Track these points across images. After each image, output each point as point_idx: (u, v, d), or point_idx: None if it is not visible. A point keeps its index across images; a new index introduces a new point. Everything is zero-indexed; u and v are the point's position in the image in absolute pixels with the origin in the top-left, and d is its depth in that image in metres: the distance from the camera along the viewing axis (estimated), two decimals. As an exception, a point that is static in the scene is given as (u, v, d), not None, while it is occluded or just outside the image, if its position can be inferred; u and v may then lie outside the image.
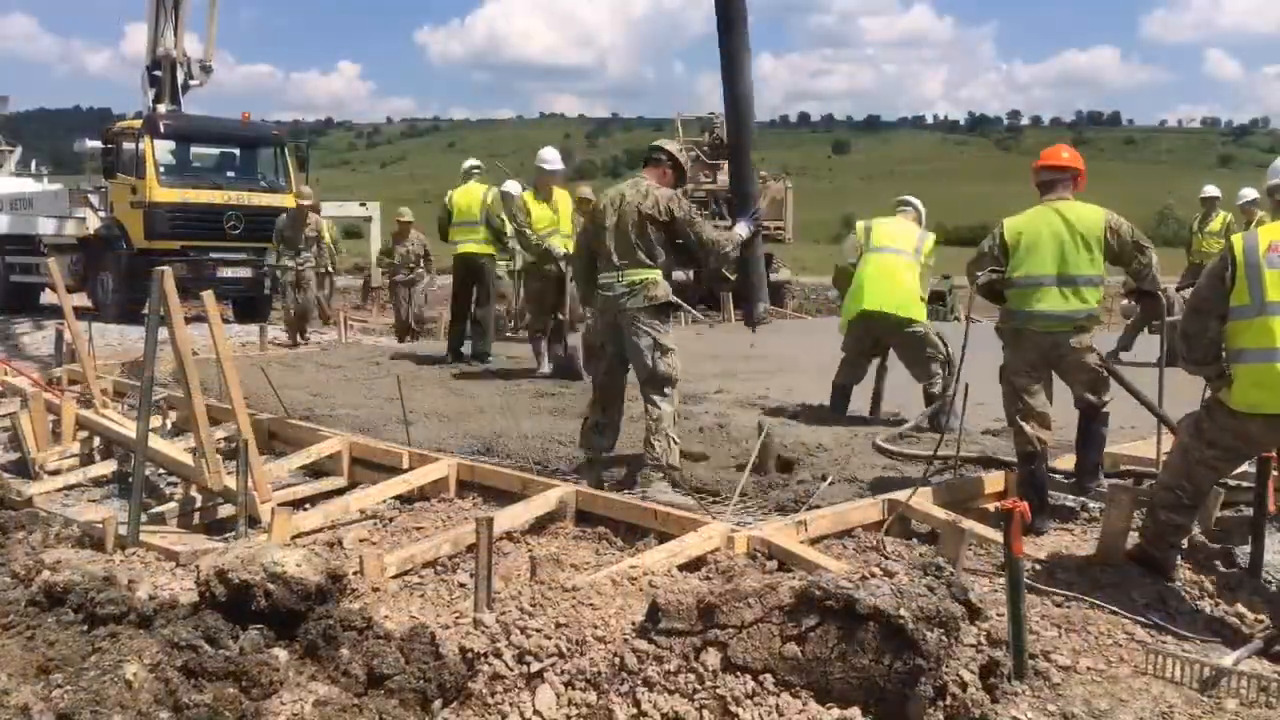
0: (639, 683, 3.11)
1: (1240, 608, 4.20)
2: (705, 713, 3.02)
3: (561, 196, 9.11)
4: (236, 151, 16.52)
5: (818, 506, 5.00)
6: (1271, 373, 3.93)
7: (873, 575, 3.26)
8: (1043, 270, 5.08)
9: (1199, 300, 4.23)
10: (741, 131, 6.13)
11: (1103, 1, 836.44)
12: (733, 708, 3.01)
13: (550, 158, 9.06)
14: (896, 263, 6.87)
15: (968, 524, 4.67)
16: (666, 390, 5.33)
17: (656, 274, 5.37)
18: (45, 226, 16.62)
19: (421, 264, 14.12)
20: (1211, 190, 13.47)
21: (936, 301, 18.58)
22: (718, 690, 3.06)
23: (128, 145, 15.29)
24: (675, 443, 5.32)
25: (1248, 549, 4.59)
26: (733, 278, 15.68)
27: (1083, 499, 5.39)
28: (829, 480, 5.36)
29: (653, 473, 5.26)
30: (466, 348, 10.24)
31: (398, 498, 5.74)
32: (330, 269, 14.28)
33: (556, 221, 8.84)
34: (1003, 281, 5.18)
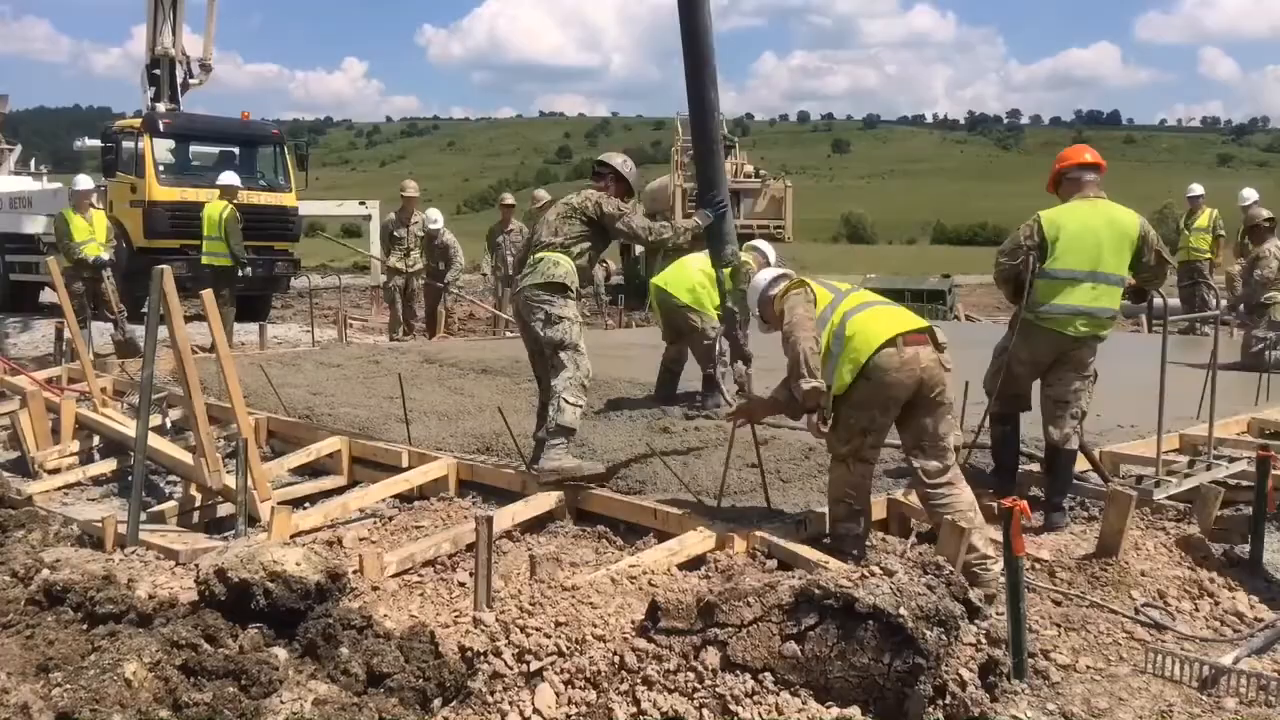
0: (639, 681, 3.11)
1: (1240, 607, 4.20)
2: (705, 711, 3.02)
3: (97, 214, 12.06)
4: (236, 150, 16.49)
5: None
6: None
7: (872, 574, 3.26)
8: (1078, 265, 5.04)
9: None
10: (706, 121, 5.82)
11: (1102, 2, 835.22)
12: (732, 706, 3.01)
13: (83, 182, 12.21)
14: (694, 259, 7.11)
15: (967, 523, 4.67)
16: (562, 355, 5.39)
17: (563, 256, 5.47)
18: (35, 225, 16.60)
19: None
20: (1196, 189, 13.90)
21: (936, 301, 18.55)
22: (717, 689, 3.06)
23: (127, 144, 15.26)
24: (573, 405, 5.37)
25: (1247, 548, 4.60)
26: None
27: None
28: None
29: (551, 436, 5.33)
30: None
31: (397, 497, 5.74)
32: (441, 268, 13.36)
33: (92, 232, 11.64)
34: (1035, 273, 5.10)
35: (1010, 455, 5.40)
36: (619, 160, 5.86)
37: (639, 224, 5.69)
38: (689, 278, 7.15)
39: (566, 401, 5.36)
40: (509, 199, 14.82)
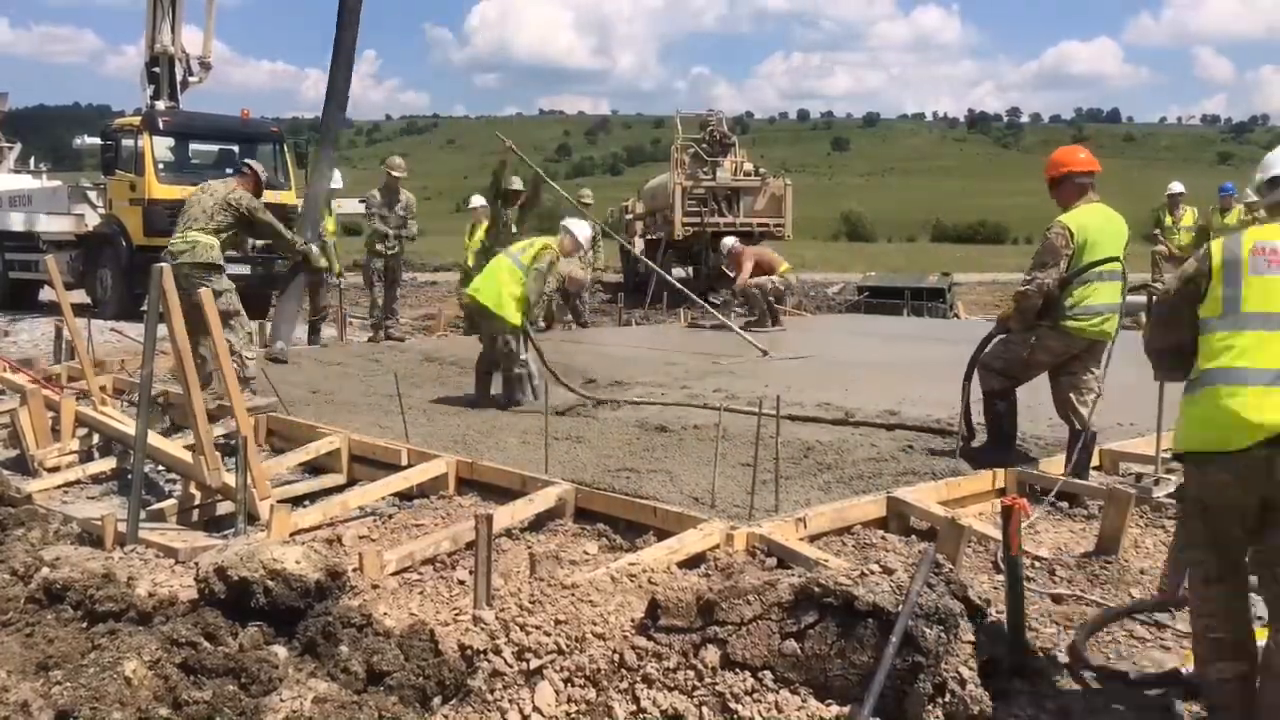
0: (638, 679, 3.11)
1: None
2: (705, 709, 3.02)
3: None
4: (235, 148, 16.49)
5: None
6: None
7: (872, 572, 3.26)
8: (1107, 265, 5.29)
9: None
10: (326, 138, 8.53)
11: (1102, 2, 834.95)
12: (732, 704, 3.02)
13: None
14: (511, 270, 7.68)
15: (966, 521, 4.68)
16: (232, 322, 7.27)
17: (212, 239, 7.50)
18: (38, 223, 16.61)
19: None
20: (1177, 187, 14.06)
21: (936, 299, 18.53)
22: (717, 687, 3.06)
23: (127, 142, 15.27)
24: (251, 359, 7.49)
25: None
26: (732, 274, 15.67)
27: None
28: None
29: (244, 385, 6.85)
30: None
31: (397, 495, 5.74)
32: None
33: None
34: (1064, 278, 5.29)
35: (1013, 424, 5.71)
36: (259, 166, 8.13)
37: (273, 226, 7.93)
38: (498, 287, 7.61)
39: (247, 358, 7.38)
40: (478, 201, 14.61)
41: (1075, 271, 5.24)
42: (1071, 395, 5.47)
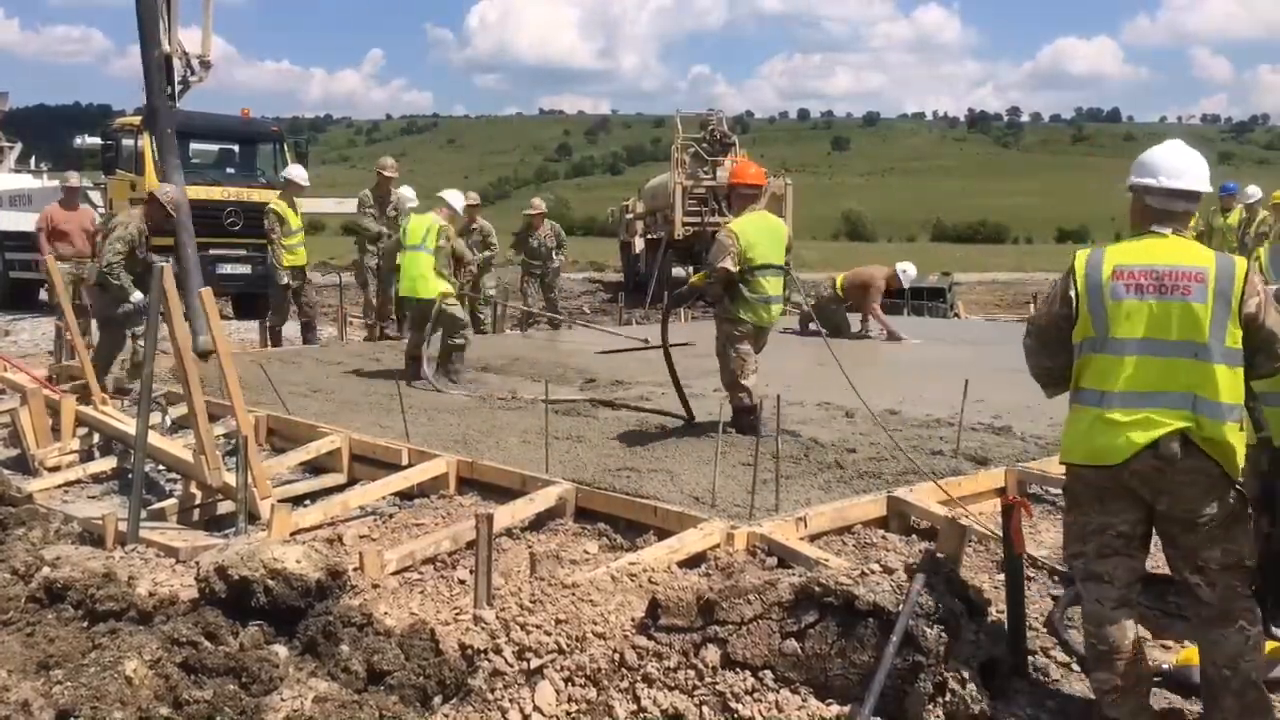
0: (639, 679, 3.12)
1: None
2: (705, 709, 3.02)
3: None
4: (236, 147, 16.48)
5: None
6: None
7: (872, 572, 3.26)
8: (775, 260, 6.26)
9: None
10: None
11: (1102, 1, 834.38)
12: (732, 704, 3.02)
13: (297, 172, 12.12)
14: (415, 257, 8.79)
15: (967, 520, 4.68)
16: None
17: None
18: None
19: (556, 255, 14.33)
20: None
21: (936, 299, 18.54)
22: (717, 686, 3.06)
23: (127, 142, 15.26)
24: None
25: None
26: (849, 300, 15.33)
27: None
28: None
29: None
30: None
31: (397, 494, 5.74)
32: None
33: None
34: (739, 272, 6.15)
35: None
36: (160, 192, 9.01)
37: (107, 254, 8.61)
38: (422, 275, 8.65)
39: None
40: (474, 197, 14.69)
41: (747, 270, 6.15)
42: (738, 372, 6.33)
